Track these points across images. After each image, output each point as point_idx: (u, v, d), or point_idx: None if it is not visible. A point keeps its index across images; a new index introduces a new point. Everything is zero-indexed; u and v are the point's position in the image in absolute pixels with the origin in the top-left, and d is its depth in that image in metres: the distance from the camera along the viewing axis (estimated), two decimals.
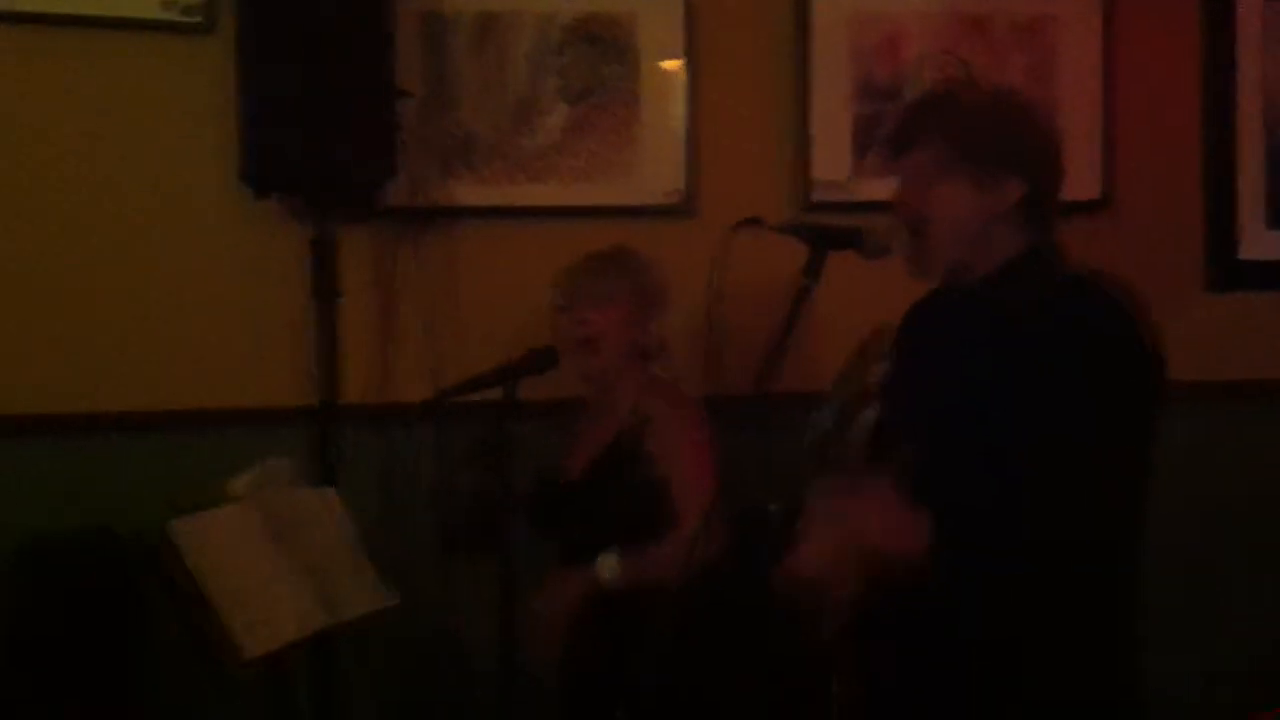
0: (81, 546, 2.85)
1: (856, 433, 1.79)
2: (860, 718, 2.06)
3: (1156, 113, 3.41)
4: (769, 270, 2.27)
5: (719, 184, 3.20)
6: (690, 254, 2.75)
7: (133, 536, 2.75)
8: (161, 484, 2.78)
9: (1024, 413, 1.87)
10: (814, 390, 2.10)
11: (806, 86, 3.25)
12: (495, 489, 2.58)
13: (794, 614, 2.10)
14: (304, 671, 2.76)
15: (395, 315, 3.09)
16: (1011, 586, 1.91)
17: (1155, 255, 3.32)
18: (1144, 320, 1.96)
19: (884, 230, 2.15)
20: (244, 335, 3.03)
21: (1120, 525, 1.96)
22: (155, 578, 2.34)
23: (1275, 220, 3.56)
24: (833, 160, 3.27)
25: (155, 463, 2.94)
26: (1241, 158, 3.51)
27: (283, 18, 2.78)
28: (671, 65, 3.20)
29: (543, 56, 3.16)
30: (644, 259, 2.79)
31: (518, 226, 3.14)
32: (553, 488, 2.80)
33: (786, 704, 2.58)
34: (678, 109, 3.21)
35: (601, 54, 3.19)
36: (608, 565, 2.62)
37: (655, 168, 3.20)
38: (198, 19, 2.97)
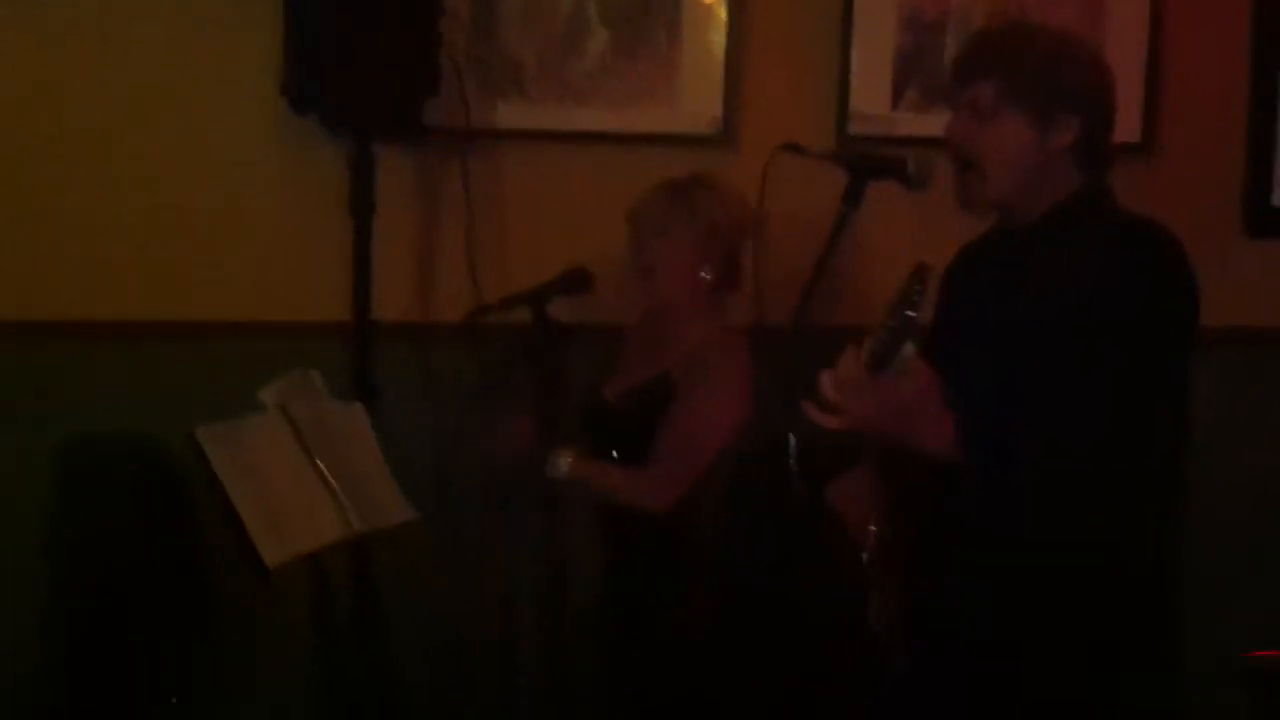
0: (129, 447, 2.90)
1: (897, 368, 1.80)
2: (900, 638, 2.09)
3: (1202, 59, 3.38)
4: (809, 201, 2.28)
5: (758, 114, 3.19)
6: (729, 183, 2.80)
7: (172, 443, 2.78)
8: (196, 394, 2.83)
9: (1081, 354, 1.88)
10: (854, 324, 2.10)
11: (850, 16, 3.23)
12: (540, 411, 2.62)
13: (839, 533, 2.14)
14: (342, 575, 2.79)
15: (434, 235, 3.10)
16: (1060, 521, 1.92)
17: (1193, 200, 3.31)
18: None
19: (926, 161, 2.15)
20: (283, 249, 3.04)
21: (1169, 468, 1.99)
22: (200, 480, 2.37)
23: None
24: (873, 93, 3.26)
25: (190, 373, 2.98)
26: None
27: None
28: None
29: None
30: (720, 191, 2.72)
31: (558, 150, 3.14)
32: (597, 404, 2.81)
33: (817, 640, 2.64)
34: (719, 37, 3.19)
35: None
36: (561, 462, 2.64)
37: (695, 95, 3.18)
38: None
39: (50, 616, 2.88)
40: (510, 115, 3.13)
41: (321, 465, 2.51)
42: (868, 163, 2.13)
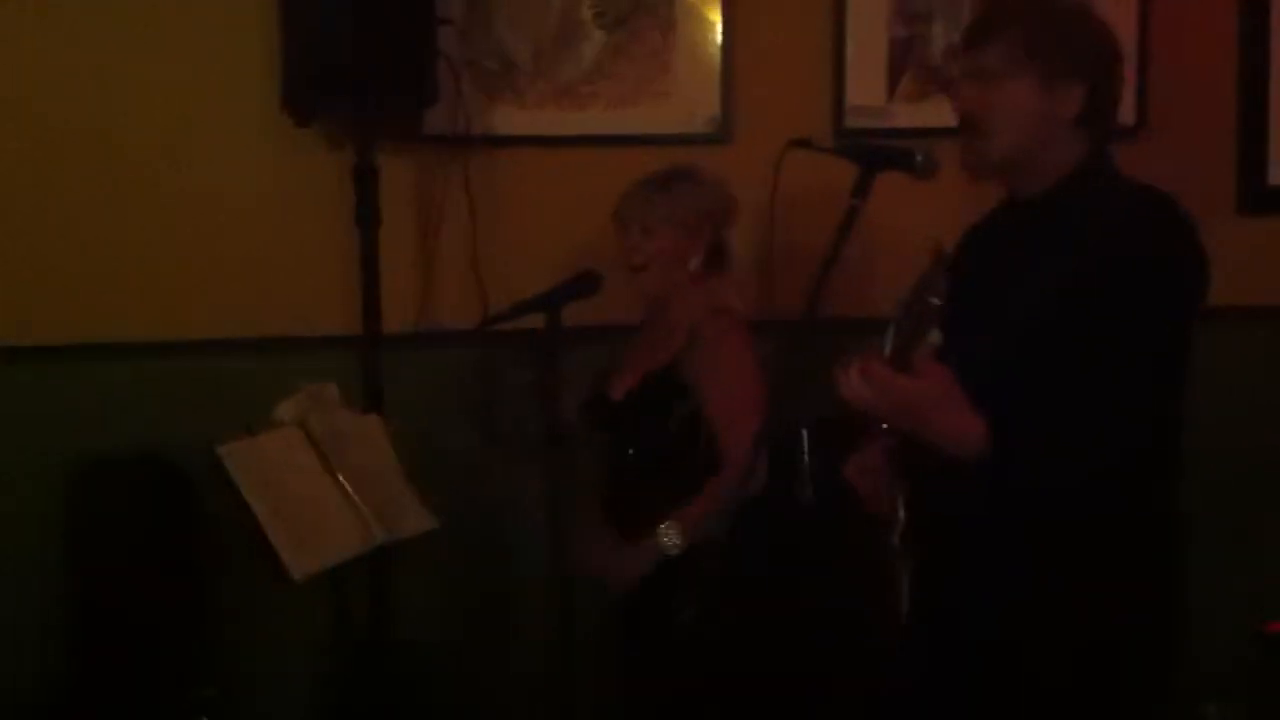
0: (143, 468, 2.91)
1: (921, 354, 1.80)
2: (926, 623, 2.10)
3: (1192, 39, 3.41)
4: (813, 193, 2.29)
5: (755, 111, 3.21)
6: (727, 180, 2.82)
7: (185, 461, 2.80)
8: (205, 411, 2.85)
9: (1096, 321, 1.89)
10: (864, 315, 2.12)
11: (843, 8, 3.25)
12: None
13: (862, 519, 2.16)
14: (360, 582, 2.81)
15: (438, 242, 3.10)
16: (1067, 498, 1.95)
17: (1186, 180, 3.32)
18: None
19: (931, 152, 2.17)
20: (289, 263, 3.05)
21: (1172, 444, 2.01)
22: (216, 498, 2.39)
23: None
24: (868, 85, 3.28)
25: (199, 390, 2.98)
26: (1274, 84, 3.52)
27: None
28: None
29: None
30: (699, 179, 2.78)
31: (558, 153, 3.15)
32: (602, 399, 2.82)
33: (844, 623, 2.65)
34: (713, 35, 3.20)
35: None
36: (669, 538, 2.63)
37: (692, 94, 3.20)
38: None
39: (65, 635, 2.90)
40: (508, 120, 3.14)
41: (341, 478, 2.53)
42: (877, 155, 2.15)
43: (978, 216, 2.27)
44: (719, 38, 3.20)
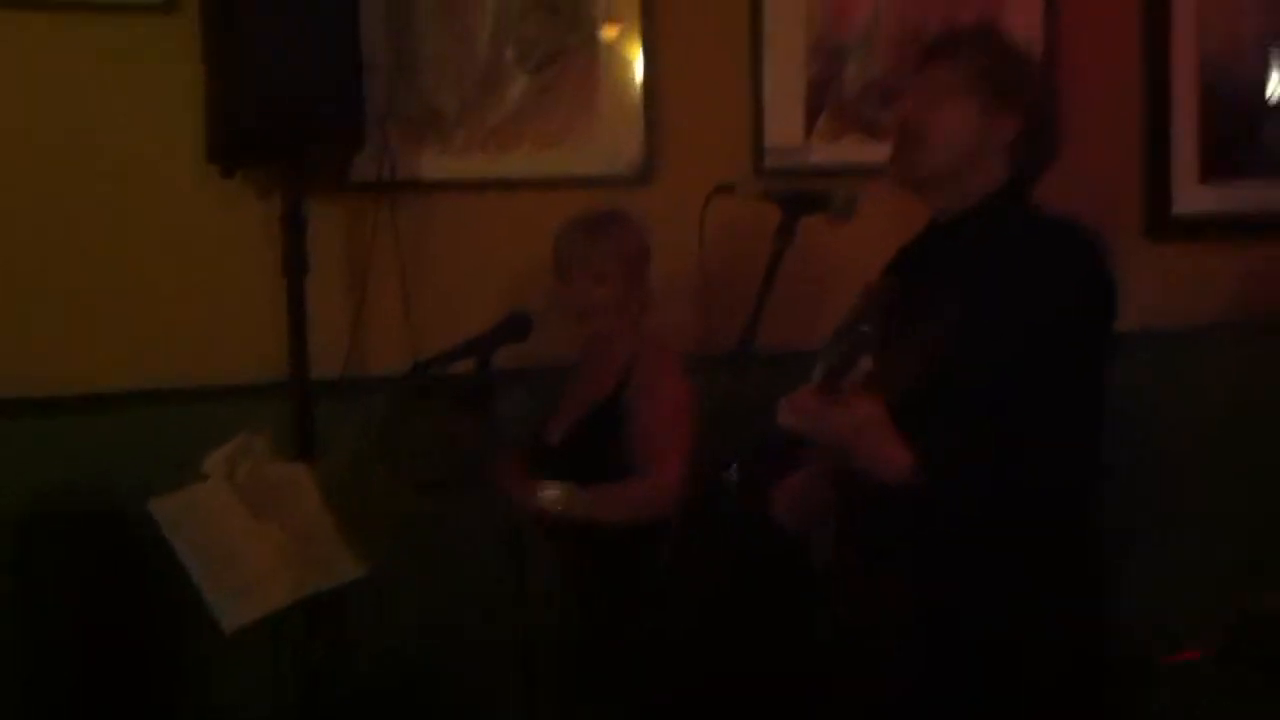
0: (85, 520, 2.91)
1: (852, 381, 1.86)
2: (857, 645, 2.16)
3: (1096, 70, 3.53)
4: (737, 233, 2.36)
5: (677, 151, 3.27)
6: (650, 221, 2.87)
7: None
8: (133, 463, 2.83)
9: (1005, 349, 1.97)
10: (798, 349, 2.17)
11: (759, 51, 3.32)
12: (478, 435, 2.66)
13: (788, 542, 2.21)
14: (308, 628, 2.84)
15: (367, 289, 3.11)
16: (989, 526, 2.02)
17: (1093, 210, 3.43)
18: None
19: (850, 194, 2.25)
20: (217, 312, 3.04)
21: (1090, 466, 2.09)
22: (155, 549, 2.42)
23: (1207, 175, 3.71)
24: (786, 125, 3.36)
25: (127, 442, 2.95)
26: (1176, 115, 3.65)
27: None
28: (628, 33, 3.25)
29: (504, 27, 3.19)
30: (629, 218, 2.84)
31: (485, 197, 3.19)
32: (540, 447, 2.85)
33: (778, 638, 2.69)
34: (635, 78, 3.26)
35: (562, 23, 3.21)
36: (552, 492, 2.67)
37: (615, 137, 3.26)
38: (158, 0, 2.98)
39: (17, 688, 2.89)
40: (435, 165, 3.16)
41: (269, 529, 2.56)
42: (797, 200, 2.22)
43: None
44: (641, 80, 3.26)
